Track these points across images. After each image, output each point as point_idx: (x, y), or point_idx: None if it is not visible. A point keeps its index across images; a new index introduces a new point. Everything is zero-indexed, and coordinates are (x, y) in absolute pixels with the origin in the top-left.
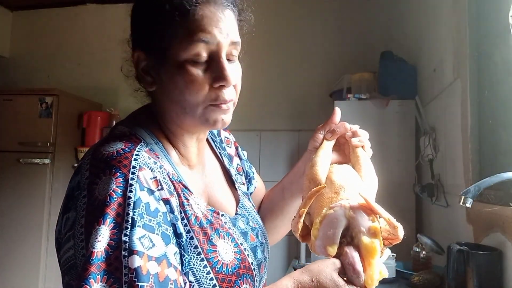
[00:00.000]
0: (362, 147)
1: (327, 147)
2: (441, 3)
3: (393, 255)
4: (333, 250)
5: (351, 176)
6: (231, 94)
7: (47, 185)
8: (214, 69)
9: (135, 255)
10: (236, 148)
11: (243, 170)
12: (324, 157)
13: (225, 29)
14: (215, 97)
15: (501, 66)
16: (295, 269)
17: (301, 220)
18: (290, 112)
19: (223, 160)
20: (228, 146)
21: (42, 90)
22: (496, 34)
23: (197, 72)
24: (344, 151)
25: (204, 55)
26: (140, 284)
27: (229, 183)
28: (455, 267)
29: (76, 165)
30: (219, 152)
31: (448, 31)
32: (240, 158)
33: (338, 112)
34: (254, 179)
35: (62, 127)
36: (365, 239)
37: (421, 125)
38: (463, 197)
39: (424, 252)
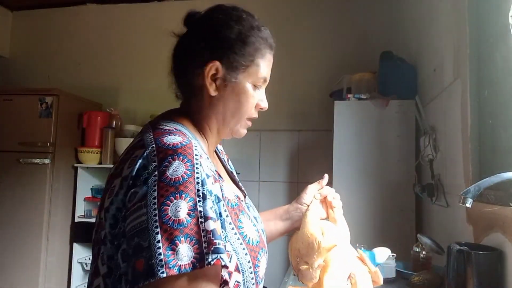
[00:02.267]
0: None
1: (316, 204)
2: (441, 3)
3: (393, 255)
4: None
5: (339, 232)
6: None
7: (47, 185)
8: (260, 95)
9: (210, 220)
10: (227, 160)
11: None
12: (315, 213)
13: None
14: (252, 114)
15: (501, 66)
16: None
17: (318, 271)
18: (290, 112)
19: (224, 163)
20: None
21: (42, 90)
22: (496, 34)
23: (256, 94)
24: (322, 206)
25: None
26: (217, 241)
27: (232, 181)
28: (455, 267)
29: (76, 165)
30: (222, 158)
31: (448, 31)
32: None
33: (326, 177)
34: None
35: (62, 127)
36: (359, 278)
37: (421, 125)
38: (463, 197)
39: (424, 252)
